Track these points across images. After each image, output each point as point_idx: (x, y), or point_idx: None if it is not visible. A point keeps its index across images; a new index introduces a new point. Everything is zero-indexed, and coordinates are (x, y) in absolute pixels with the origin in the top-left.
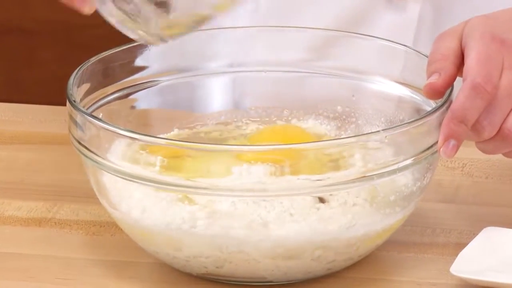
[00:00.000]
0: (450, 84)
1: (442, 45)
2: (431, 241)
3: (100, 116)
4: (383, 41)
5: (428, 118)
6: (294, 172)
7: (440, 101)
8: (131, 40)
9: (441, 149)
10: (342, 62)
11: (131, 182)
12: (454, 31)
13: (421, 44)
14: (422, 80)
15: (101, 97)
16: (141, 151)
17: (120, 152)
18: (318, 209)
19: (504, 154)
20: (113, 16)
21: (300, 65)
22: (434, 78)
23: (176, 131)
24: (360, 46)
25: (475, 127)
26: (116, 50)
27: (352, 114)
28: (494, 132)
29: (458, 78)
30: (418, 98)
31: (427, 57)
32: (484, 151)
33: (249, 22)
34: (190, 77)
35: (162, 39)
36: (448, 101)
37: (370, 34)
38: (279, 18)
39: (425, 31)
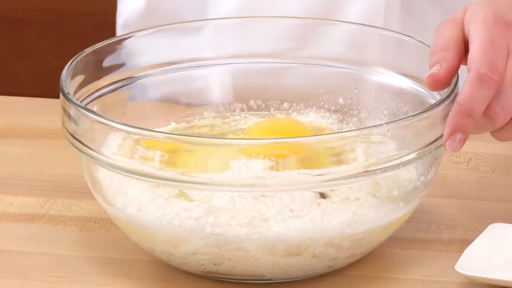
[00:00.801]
0: (452, 75)
1: (442, 35)
2: (436, 237)
3: (95, 109)
4: (381, 30)
5: (432, 111)
6: (295, 166)
7: (445, 93)
8: (121, 32)
9: (447, 143)
10: (342, 52)
11: (127, 178)
12: (454, 19)
13: (391, 28)
14: (425, 71)
15: (95, 89)
16: (136, 145)
17: (115, 146)
18: (319, 204)
19: None
20: None
21: (299, 56)
22: (436, 69)
23: (173, 124)
24: (358, 35)
25: (489, 115)
26: (111, 41)
27: (354, 106)
28: (509, 117)
29: (464, 69)
30: (422, 90)
31: (429, 47)
32: (499, 138)
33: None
34: (186, 69)
35: None
36: (453, 93)
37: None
38: (248, 12)
39: (394, 16)
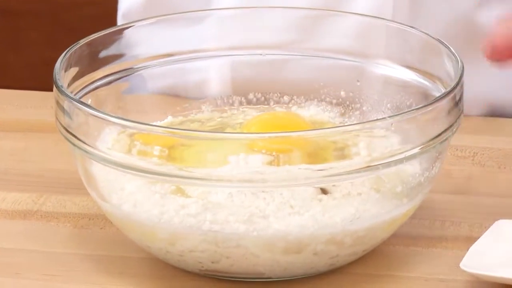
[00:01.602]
0: None
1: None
2: (440, 234)
3: (89, 102)
4: (385, 21)
5: (437, 104)
6: (295, 161)
7: (449, 86)
8: (122, 22)
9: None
10: (343, 43)
11: (122, 173)
12: None
13: (400, 19)
14: (430, 64)
15: (90, 82)
16: (132, 140)
17: (110, 140)
18: (320, 200)
19: None
20: None
21: (297, 47)
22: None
23: (170, 118)
24: (359, 26)
25: None
26: (106, 32)
27: (357, 100)
28: None
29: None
30: (426, 83)
31: (436, 39)
32: None
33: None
34: (184, 61)
35: None
36: (457, 86)
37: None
38: (252, 2)
39: (403, 7)
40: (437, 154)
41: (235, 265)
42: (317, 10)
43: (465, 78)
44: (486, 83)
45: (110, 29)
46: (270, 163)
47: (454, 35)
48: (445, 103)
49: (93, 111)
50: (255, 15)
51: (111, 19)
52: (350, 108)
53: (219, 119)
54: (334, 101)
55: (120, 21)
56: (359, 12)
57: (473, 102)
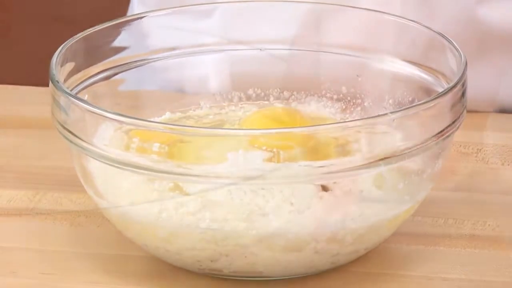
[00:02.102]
0: None
1: None
2: (443, 232)
3: (86, 97)
4: (387, 15)
5: (439, 100)
6: (295, 158)
7: (452, 82)
8: (119, 15)
9: None
10: (343, 38)
11: (119, 170)
12: None
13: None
14: (432, 59)
15: (86, 77)
16: (129, 136)
17: (107, 137)
18: (321, 198)
19: None
20: None
21: (299, 42)
22: None
23: (168, 114)
24: (360, 21)
25: None
26: (103, 26)
27: (358, 95)
28: None
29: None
30: (428, 78)
31: (439, 34)
32: None
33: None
34: (182, 56)
35: None
36: (460, 82)
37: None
38: None
39: (410, 6)
40: (440, 151)
41: (234, 263)
42: (320, 4)
43: (469, 74)
44: (490, 79)
45: (107, 23)
46: (270, 160)
47: (459, 31)
48: (448, 98)
49: (90, 107)
50: (259, 9)
51: (108, 13)
52: (351, 104)
53: (218, 115)
54: (335, 96)
55: (136, 6)
56: (363, 7)
57: (476, 98)
